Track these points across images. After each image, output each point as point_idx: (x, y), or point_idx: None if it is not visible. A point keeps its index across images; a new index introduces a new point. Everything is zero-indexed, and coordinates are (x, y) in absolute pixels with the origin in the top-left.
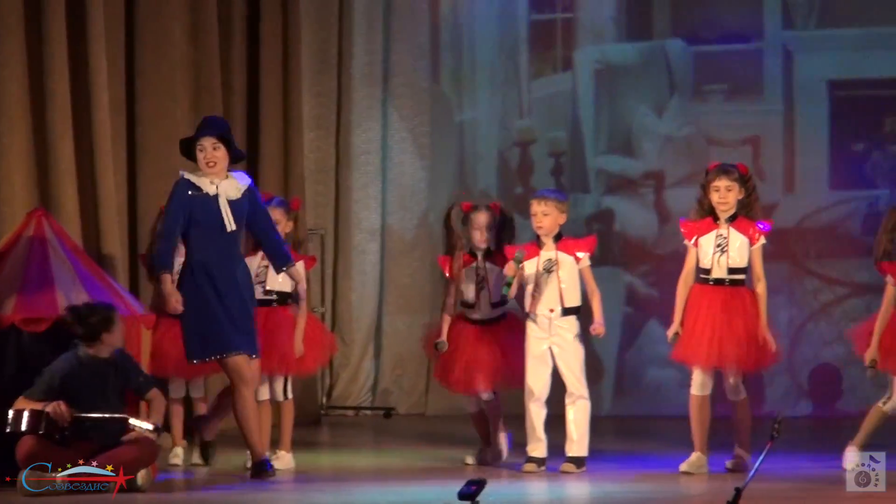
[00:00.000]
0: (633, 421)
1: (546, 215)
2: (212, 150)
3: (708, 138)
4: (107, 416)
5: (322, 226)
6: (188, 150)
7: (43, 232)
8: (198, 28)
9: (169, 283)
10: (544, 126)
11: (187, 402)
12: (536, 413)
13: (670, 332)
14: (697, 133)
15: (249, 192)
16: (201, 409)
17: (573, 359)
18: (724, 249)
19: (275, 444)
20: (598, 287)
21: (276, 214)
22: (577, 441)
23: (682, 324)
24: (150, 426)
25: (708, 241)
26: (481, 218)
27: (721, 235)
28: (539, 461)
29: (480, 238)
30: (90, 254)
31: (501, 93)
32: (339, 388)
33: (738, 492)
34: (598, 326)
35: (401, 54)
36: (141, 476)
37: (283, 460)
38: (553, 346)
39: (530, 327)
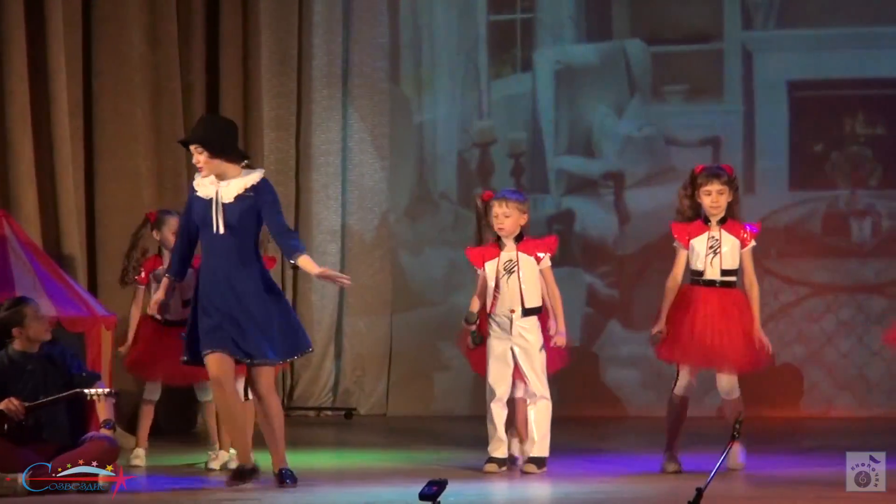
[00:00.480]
0: (593, 421)
1: (507, 216)
2: (197, 155)
3: (668, 139)
4: (61, 395)
5: None
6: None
7: (3, 232)
8: (156, 29)
9: (162, 287)
10: (504, 127)
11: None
12: (498, 413)
13: (654, 330)
14: (657, 133)
15: (255, 191)
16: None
17: (534, 359)
18: (716, 251)
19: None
20: (559, 288)
21: None
22: (539, 441)
23: (667, 324)
24: (106, 389)
25: (700, 244)
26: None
27: (713, 238)
28: (500, 461)
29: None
30: (50, 254)
31: (461, 93)
32: (301, 389)
33: (700, 492)
34: (558, 337)
35: (360, 55)
36: (102, 477)
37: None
38: (514, 347)
39: (492, 328)
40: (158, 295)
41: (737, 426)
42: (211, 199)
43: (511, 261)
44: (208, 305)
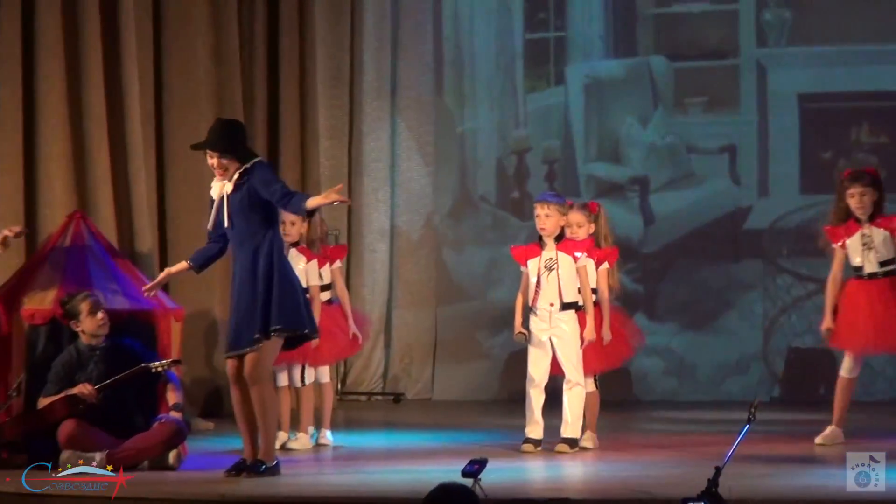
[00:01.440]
0: (620, 405)
1: (548, 217)
2: (210, 160)
3: (688, 147)
4: (127, 372)
5: (336, 227)
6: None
7: (81, 232)
8: (220, 46)
9: (177, 267)
10: (539, 136)
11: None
12: (536, 398)
13: (824, 327)
14: (679, 142)
15: (247, 174)
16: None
17: (570, 349)
18: (870, 247)
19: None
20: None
21: (292, 216)
22: (572, 423)
23: (833, 318)
24: (167, 361)
25: (854, 242)
26: (576, 216)
27: (865, 235)
28: (536, 442)
29: (572, 234)
30: (124, 252)
31: (499, 105)
32: (353, 376)
33: (718, 470)
34: (587, 332)
35: (407, 70)
36: (172, 455)
37: (301, 441)
38: (553, 337)
39: (533, 320)
40: (168, 270)
41: (753, 410)
42: (222, 198)
43: (551, 259)
44: (232, 300)
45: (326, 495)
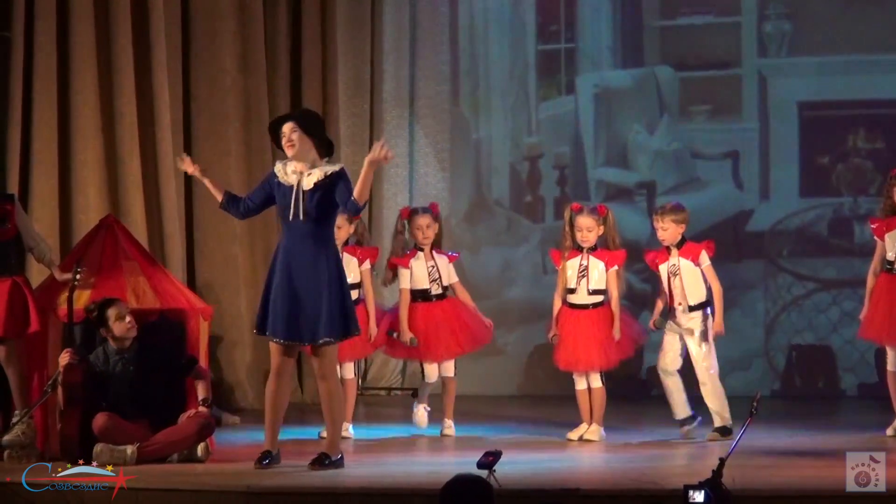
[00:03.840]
0: (627, 398)
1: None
2: (290, 134)
3: (693, 152)
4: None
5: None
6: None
7: (114, 236)
8: (246, 57)
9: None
10: (550, 142)
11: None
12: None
13: (861, 316)
14: (684, 148)
15: (331, 178)
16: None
17: (698, 349)
18: None
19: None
20: None
21: (339, 220)
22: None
23: (868, 309)
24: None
25: (893, 237)
26: (586, 220)
27: None
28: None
29: (583, 237)
30: (154, 254)
31: (513, 113)
32: (374, 371)
33: (722, 462)
34: (716, 325)
35: (425, 80)
36: (200, 448)
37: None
38: (684, 336)
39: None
40: (206, 179)
41: (755, 404)
42: (292, 187)
43: (674, 265)
44: (287, 291)
45: (349, 486)
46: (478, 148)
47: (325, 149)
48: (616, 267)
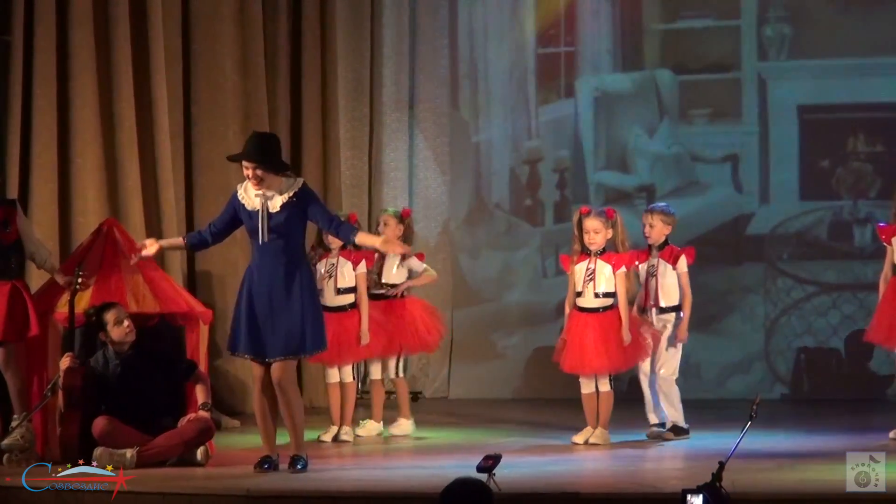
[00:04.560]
0: (627, 403)
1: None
2: (251, 171)
3: (693, 156)
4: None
5: None
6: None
7: (113, 239)
8: (246, 61)
9: (168, 242)
10: (550, 146)
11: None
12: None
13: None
14: (684, 151)
15: (298, 197)
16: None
17: (664, 352)
18: None
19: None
20: None
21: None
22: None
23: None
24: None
25: None
26: (594, 223)
27: None
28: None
29: (590, 240)
30: (153, 258)
31: (512, 117)
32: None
33: (722, 465)
34: (680, 332)
35: (424, 84)
36: (200, 452)
37: (368, 427)
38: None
39: (643, 320)
40: (160, 242)
41: (754, 407)
42: (257, 211)
43: (653, 265)
44: (257, 310)
45: (348, 490)
46: (477, 151)
47: (284, 169)
48: (623, 269)
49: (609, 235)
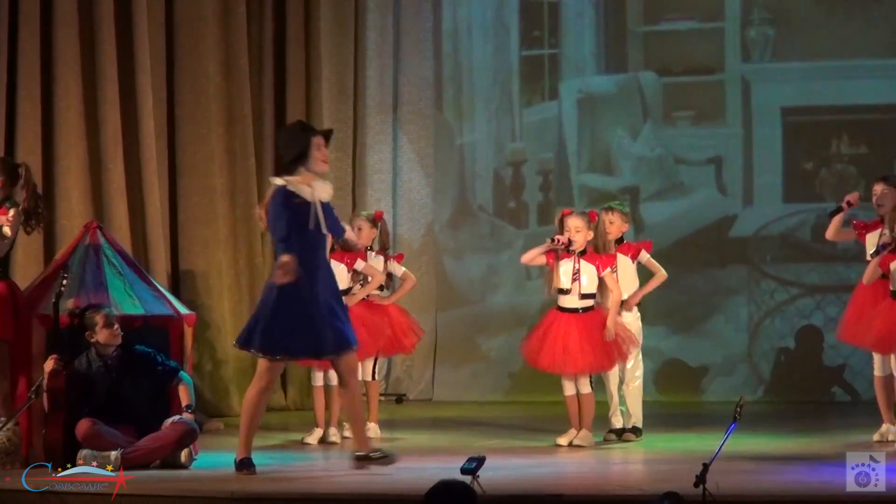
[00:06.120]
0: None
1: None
2: (326, 152)
3: (677, 158)
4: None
5: None
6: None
7: (97, 242)
8: (230, 63)
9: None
10: (534, 148)
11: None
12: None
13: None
14: (668, 154)
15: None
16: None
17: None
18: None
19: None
20: None
21: (359, 222)
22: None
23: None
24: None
25: (873, 237)
26: (575, 221)
27: (884, 234)
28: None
29: (570, 238)
30: (138, 260)
31: (496, 119)
32: (358, 378)
33: (706, 467)
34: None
35: (408, 86)
36: (184, 454)
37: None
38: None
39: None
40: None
41: (738, 409)
42: (310, 203)
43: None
44: (319, 302)
45: (333, 492)
46: (461, 153)
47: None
48: (609, 269)
49: (590, 237)
